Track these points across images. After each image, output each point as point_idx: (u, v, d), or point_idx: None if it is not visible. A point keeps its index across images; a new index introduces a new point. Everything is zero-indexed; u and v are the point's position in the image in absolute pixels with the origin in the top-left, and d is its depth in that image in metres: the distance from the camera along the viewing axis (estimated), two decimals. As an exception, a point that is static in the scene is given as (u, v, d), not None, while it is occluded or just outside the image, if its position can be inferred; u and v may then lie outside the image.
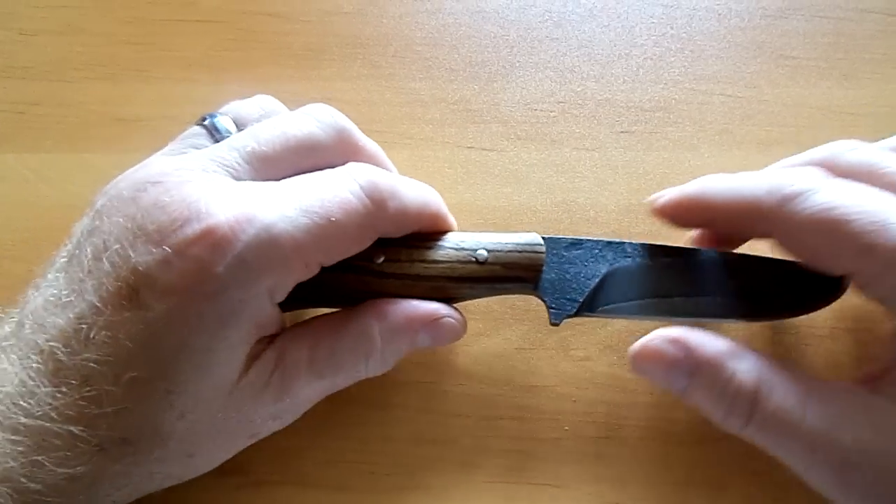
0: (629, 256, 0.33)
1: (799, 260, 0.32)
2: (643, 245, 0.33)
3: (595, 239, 0.33)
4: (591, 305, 0.33)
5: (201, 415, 0.29)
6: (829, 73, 0.43)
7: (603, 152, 0.42)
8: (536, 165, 0.42)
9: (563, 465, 0.36)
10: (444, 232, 0.34)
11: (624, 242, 0.33)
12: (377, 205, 0.30)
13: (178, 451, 0.30)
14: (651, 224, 0.40)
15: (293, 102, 0.44)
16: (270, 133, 0.31)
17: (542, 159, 0.42)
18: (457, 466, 0.36)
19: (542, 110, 0.43)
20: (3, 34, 0.46)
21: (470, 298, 0.34)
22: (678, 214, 0.33)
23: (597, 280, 0.33)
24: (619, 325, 0.38)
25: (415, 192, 0.32)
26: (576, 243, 0.33)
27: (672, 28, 0.45)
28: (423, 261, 0.33)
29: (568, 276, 0.33)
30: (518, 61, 0.45)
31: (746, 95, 0.43)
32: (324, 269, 0.31)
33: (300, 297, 0.31)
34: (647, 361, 0.30)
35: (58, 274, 0.29)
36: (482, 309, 0.39)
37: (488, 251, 0.33)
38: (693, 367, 0.29)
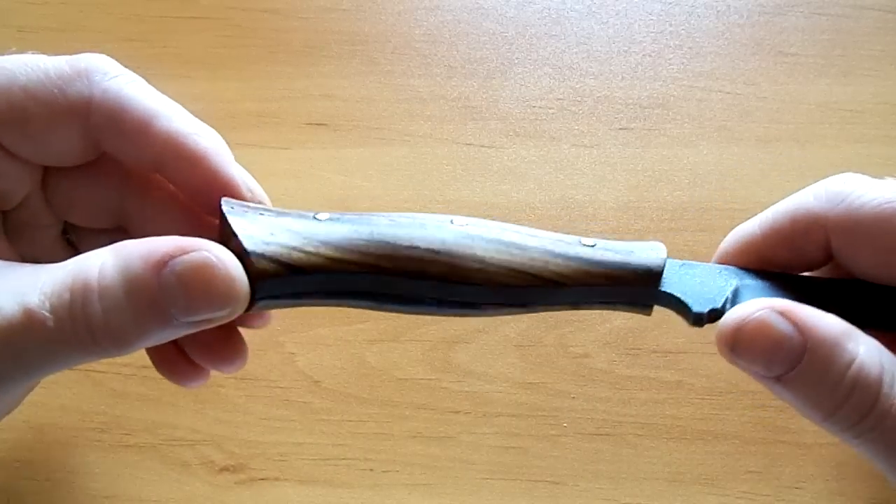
0: (756, 278, 0.28)
1: (857, 270, 0.27)
2: (767, 272, 0.28)
3: (709, 264, 0.28)
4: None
5: None
6: (828, 70, 0.43)
7: (601, 149, 0.42)
8: (535, 162, 0.42)
9: (561, 462, 0.36)
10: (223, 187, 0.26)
11: (743, 269, 0.28)
12: (79, 74, 0.26)
13: None
14: (650, 221, 0.40)
15: (291, 99, 0.44)
16: None
17: (540, 156, 0.42)
18: (455, 463, 0.36)
19: (540, 107, 0.43)
20: (1, 31, 0.46)
21: (575, 300, 0.27)
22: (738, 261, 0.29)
23: (731, 289, 0.27)
24: (617, 322, 0.38)
25: (153, 98, 0.27)
26: (689, 265, 0.27)
27: (671, 25, 0.45)
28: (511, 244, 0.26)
29: (695, 283, 0.27)
30: (517, 58, 0.45)
31: (745, 92, 0.43)
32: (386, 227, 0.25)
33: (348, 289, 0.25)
34: (752, 335, 0.24)
35: None
36: (480, 306, 0.39)
37: (595, 242, 0.27)
38: (804, 346, 0.23)
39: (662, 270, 0.26)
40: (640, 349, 0.38)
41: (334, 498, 0.35)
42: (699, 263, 0.28)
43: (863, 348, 0.24)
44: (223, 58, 0.45)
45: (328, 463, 0.36)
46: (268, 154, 0.42)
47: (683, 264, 0.27)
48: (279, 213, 0.26)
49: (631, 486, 0.35)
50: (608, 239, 0.27)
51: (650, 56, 0.44)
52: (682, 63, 0.44)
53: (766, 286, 0.27)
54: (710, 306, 0.26)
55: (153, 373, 0.34)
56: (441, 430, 0.37)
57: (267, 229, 0.24)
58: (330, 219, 0.25)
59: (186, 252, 0.22)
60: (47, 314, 0.22)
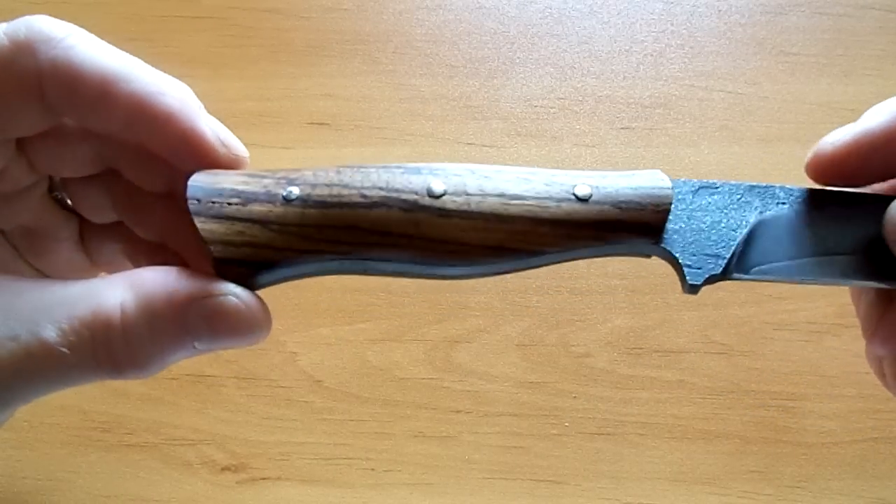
0: (783, 202, 0.25)
1: None
2: (800, 189, 0.25)
3: (733, 182, 0.25)
4: (740, 265, 0.24)
5: None
6: (829, 70, 0.43)
7: (603, 148, 0.42)
8: (536, 162, 0.42)
9: (562, 462, 0.36)
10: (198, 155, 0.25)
11: (773, 186, 0.25)
12: (19, 47, 0.24)
13: None
14: (651, 220, 0.40)
15: (293, 99, 0.44)
16: None
17: (542, 156, 0.42)
18: (457, 463, 0.36)
19: (542, 107, 0.43)
20: (2, 31, 0.46)
21: (565, 256, 0.24)
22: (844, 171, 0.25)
23: (744, 232, 0.25)
24: (619, 321, 0.38)
25: (108, 58, 0.25)
26: (708, 187, 0.25)
27: (672, 24, 0.45)
28: (502, 195, 0.24)
29: (703, 226, 0.25)
30: (518, 58, 0.45)
31: (746, 92, 0.43)
32: (359, 207, 0.24)
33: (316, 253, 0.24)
34: None
35: None
36: (482, 305, 0.39)
37: (592, 187, 0.24)
38: None
39: (663, 232, 0.24)
40: (641, 349, 0.38)
41: (335, 497, 0.35)
42: (721, 186, 0.25)
43: None
44: (225, 57, 0.45)
45: (329, 462, 0.36)
46: (269, 154, 0.42)
47: (701, 188, 0.25)
48: (248, 199, 0.25)
49: (633, 485, 0.35)
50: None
51: (652, 55, 0.44)
52: (684, 62, 0.44)
53: (790, 217, 0.25)
54: (710, 272, 0.24)
55: (155, 372, 0.34)
56: (442, 430, 0.37)
57: (235, 228, 0.24)
58: (300, 198, 0.24)
59: (212, 296, 0.23)
60: (65, 350, 0.22)
